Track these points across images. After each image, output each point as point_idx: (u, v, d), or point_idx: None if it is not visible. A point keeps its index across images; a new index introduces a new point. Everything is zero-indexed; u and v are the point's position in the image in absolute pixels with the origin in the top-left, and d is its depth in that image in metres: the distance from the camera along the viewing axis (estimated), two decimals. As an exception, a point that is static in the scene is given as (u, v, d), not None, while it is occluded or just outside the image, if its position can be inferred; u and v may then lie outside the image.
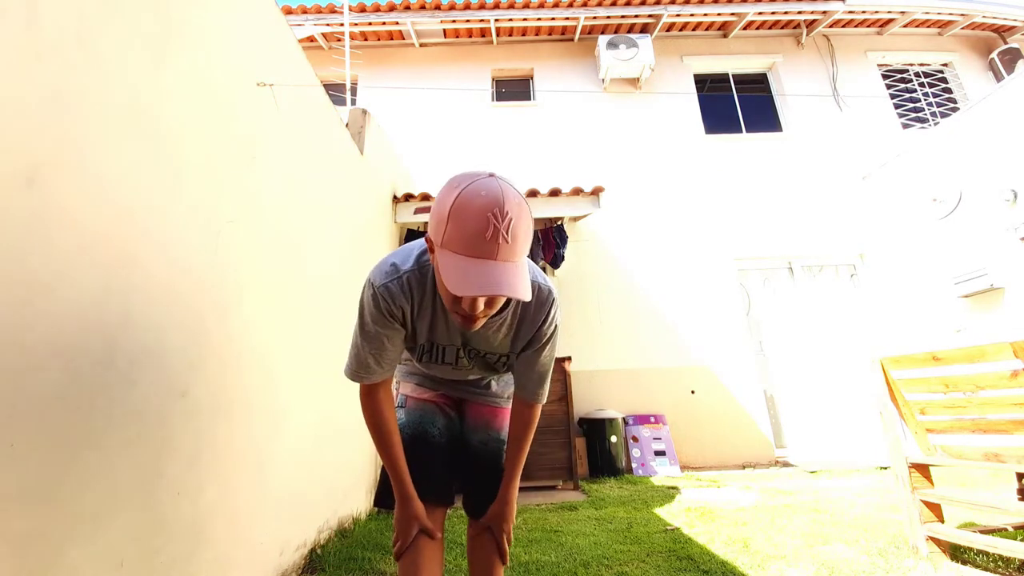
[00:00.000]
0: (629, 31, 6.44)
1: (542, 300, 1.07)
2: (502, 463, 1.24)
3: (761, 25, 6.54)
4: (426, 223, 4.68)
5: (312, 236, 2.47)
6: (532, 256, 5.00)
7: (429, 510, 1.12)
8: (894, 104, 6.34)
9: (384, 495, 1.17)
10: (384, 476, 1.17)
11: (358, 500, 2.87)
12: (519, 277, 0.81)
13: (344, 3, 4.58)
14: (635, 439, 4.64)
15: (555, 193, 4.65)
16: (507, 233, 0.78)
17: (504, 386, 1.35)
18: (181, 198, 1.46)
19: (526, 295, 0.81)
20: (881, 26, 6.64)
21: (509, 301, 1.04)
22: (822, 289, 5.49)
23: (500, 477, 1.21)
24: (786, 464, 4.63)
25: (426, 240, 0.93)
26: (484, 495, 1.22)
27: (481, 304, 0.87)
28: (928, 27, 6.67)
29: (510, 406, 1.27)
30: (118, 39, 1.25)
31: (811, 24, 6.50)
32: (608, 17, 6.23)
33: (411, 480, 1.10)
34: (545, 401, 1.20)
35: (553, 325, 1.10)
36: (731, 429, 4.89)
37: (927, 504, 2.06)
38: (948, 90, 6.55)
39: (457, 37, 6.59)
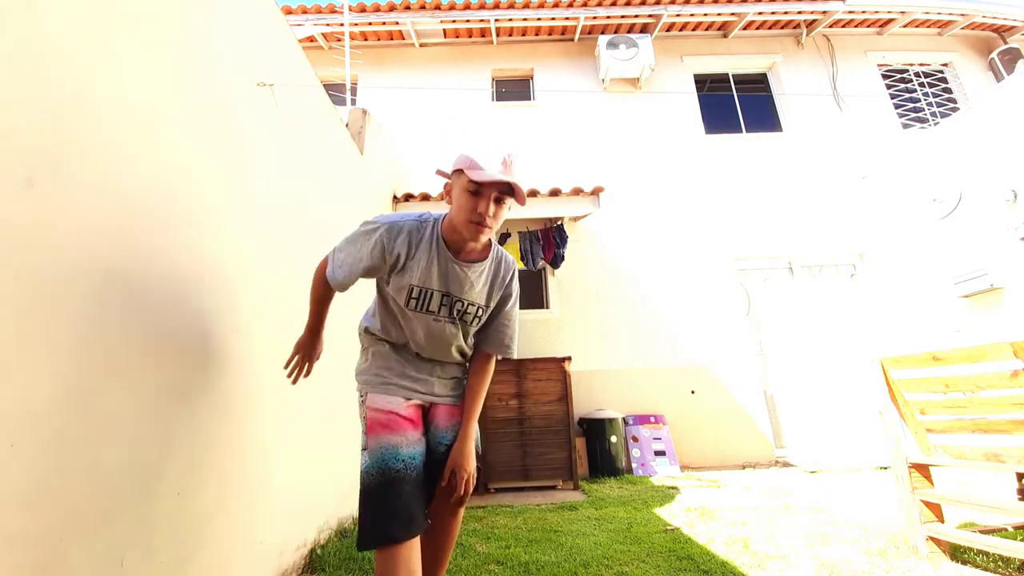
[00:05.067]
0: (629, 31, 6.44)
1: (508, 263, 1.39)
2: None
3: (761, 25, 6.54)
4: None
5: (312, 236, 2.47)
6: (532, 256, 5.00)
7: (407, 545, 1.16)
8: (894, 104, 6.34)
9: (366, 537, 1.18)
10: (363, 516, 1.22)
11: (358, 500, 2.87)
12: (521, 185, 1.16)
13: (344, 3, 4.58)
14: (635, 439, 4.64)
15: (555, 193, 4.65)
16: (511, 163, 1.16)
17: (454, 391, 1.45)
18: (181, 198, 1.46)
19: (523, 199, 1.17)
20: (881, 26, 6.64)
21: (491, 253, 1.33)
22: (822, 289, 5.49)
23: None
24: (786, 464, 4.63)
25: (445, 176, 1.26)
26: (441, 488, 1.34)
27: (493, 208, 1.17)
28: (928, 27, 6.67)
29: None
30: (118, 39, 1.25)
31: (811, 24, 6.50)
32: (608, 17, 6.23)
33: (382, 515, 1.17)
34: (513, 356, 1.44)
35: (516, 287, 1.40)
36: (731, 429, 4.90)
37: (927, 504, 2.06)
38: (948, 90, 6.55)
39: (457, 37, 6.59)
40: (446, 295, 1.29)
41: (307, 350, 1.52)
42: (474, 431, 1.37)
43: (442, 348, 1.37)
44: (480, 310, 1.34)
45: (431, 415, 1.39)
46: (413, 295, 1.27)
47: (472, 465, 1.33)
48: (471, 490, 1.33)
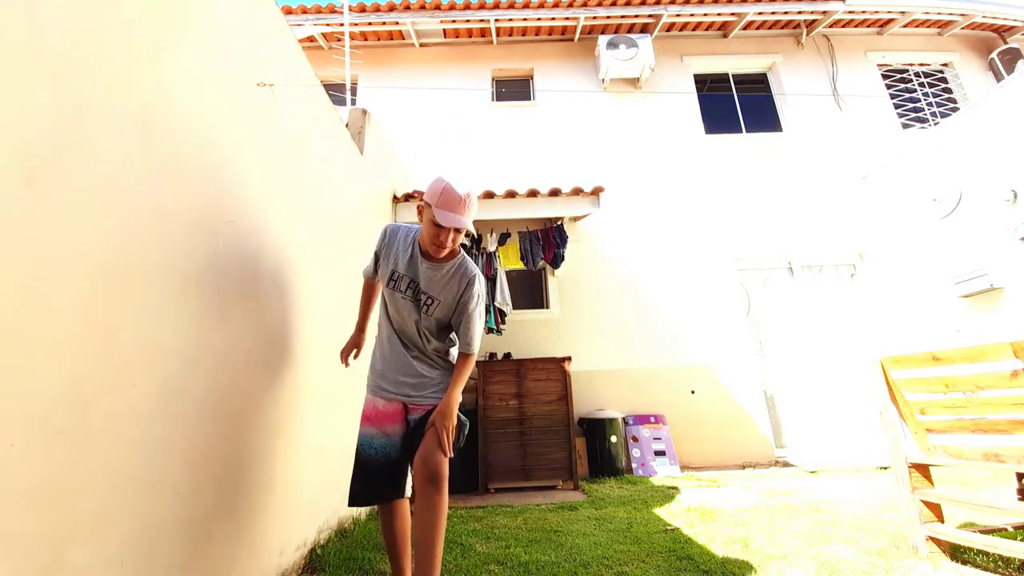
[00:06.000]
0: (629, 31, 6.44)
1: (466, 273, 1.74)
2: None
3: (761, 25, 6.54)
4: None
5: (312, 236, 2.47)
6: (532, 256, 5.01)
7: (380, 508, 1.74)
8: (894, 104, 6.34)
9: (355, 495, 1.69)
10: (353, 479, 1.69)
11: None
12: (467, 225, 1.59)
13: (344, 3, 4.57)
14: (635, 439, 4.64)
15: (555, 193, 4.65)
16: (468, 203, 1.59)
17: (431, 391, 1.76)
18: (181, 198, 1.46)
19: (471, 230, 1.62)
20: (881, 26, 6.64)
21: (454, 257, 1.73)
22: (822, 289, 5.49)
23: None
24: (786, 464, 4.63)
25: (420, 199, 1.62)
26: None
27: (451, 235, 1.60)
28: (928, 27, 6.67)
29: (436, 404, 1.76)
30: (118, 39, 1.25)
31: (811, 24, 6.50)
32: (608, 17, 6.23)
33: (355, 486, 1.69)
34: (475, 353, 1.77)
35: (475, 297, 1.74)
36: (731, 429, 4.90)
37: (927, 504, 2.06)
38: (948, 90, 6.55)
39: (457, 37, 6.59)
40: (412, 280, 1.73)
41: (353, 340, 2.04)
42: (455, 398, 1.70)
43: (409, 324, 1.75)
44: (434, 301, 1.72)
45: (411, 410, 1.74)
46: (393, 277, 1.75)
47: (451, 421, 1.65)
48: (449, 442, 1.64)
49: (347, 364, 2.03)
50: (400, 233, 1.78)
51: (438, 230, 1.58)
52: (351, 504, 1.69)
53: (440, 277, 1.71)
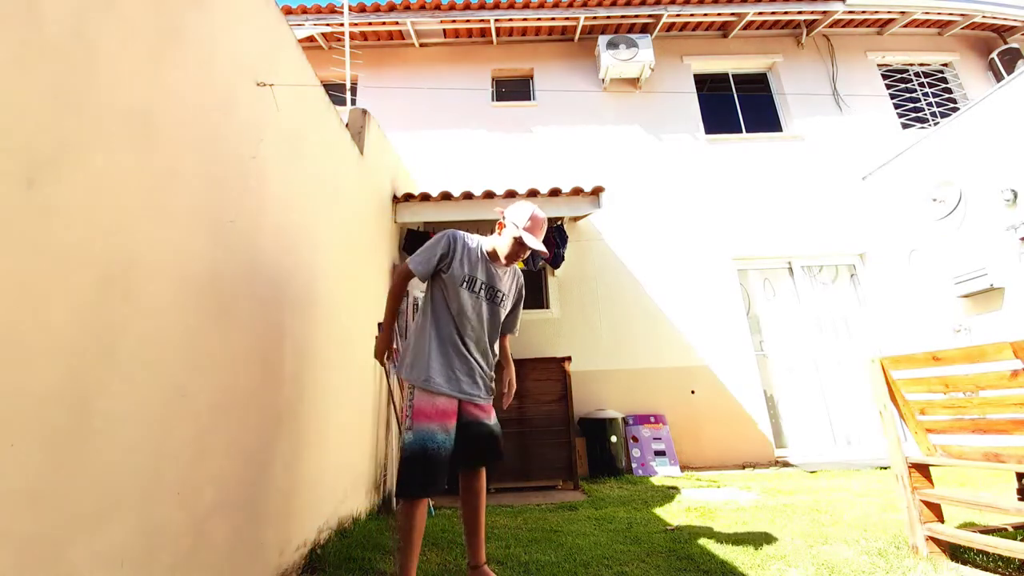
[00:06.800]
0: (629, 31, 6.44)
1: (518, 273, 2.11)
2: (496, 437, 1.95)
3: (761, 25, 6.54)
4: (425, 223, 4.73)
5: (312, 236, 2.47)
6: (532, 256, 5.00)
7: (420, 502, 1.79)
8: (894, 104, 6.34)
9: (405, 485, 1.74)
10: (402, 469, 1.75)
11: (358, 500, 2.87)
12: (541, 242, 1.87)
13: (344, 3, 4.57)
14: (635, 439, 4.64)
15: (555, 193, 4.65)
16: (542, 228, 1.91)
17: (488, 387, 1.96)
18: (181, 198, 1.46)
19: (544, 250, 1.90)
20: (881, 26, 6.64)
21: (510, 266, 2.03)
22: (822, 289, 5.49)
23: (495, 443, 1.93)
24: (786, 464, 4.63)
25: (504, 219, 1.94)
26: (479, 457, 1.90)
27: (528, 252, 1.89)
28: (928, 27, 6.67)
29: (491, 403, 1.97)
30: (118, 39, 1.25)
31: (811, 24, 6.50)
32: (608, 17, 6.23)
33: (416, 478, 1.73)
34: (516, 335, 2.25)
35: (523, 287, 2.13)
36: (731, 429, 4.89)
37: (927, 504, 2.06)
38: (948, 90, 6.55)
39: (457, 37, 6.59)
40: (486, 283, 1.95)
41: (389, 340, 2.06)
42: (511, 366, 2.17)
43: (480, 322, 1.92)
44: (505, 296, 2.00)
45: (465, 408, 1.88)
46: (469, 280, 1.91)
47: (513, 377, 2.12)
48: (512, 392, 2.10)
49: (384, 364, 2.22)
50: (464, 240, 1.96)
51: (520, 248, 1.88)
52: (410, 496, 1.74)
53: (505, 277, 2.02)
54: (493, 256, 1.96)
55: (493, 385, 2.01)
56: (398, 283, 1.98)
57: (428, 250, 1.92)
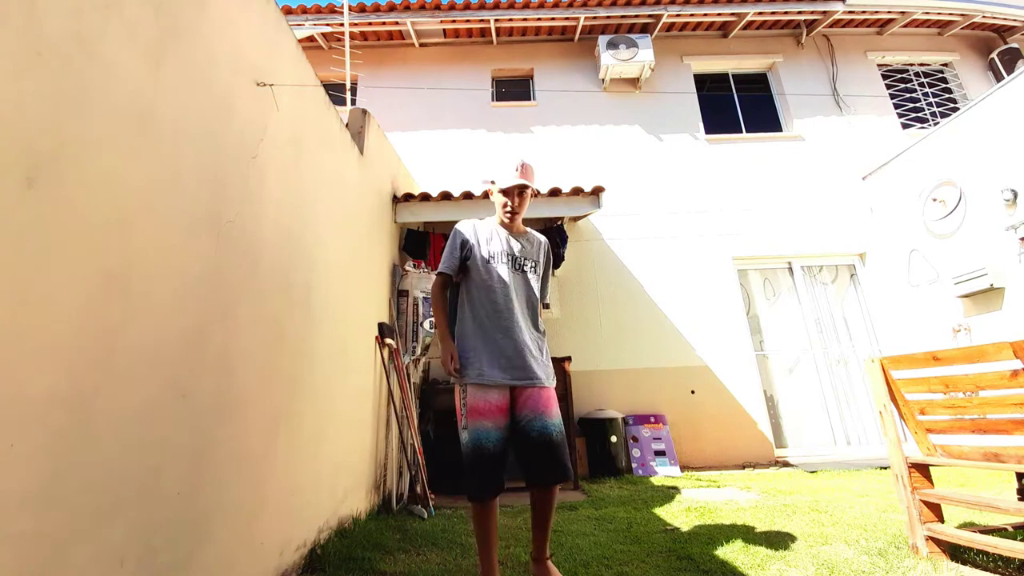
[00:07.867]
0: (629, 31, 6.44)
1: (540, 239, 2.14)
2: (558, 446, 1.77)
3: (761, 25, 6.54)
4: (425, 223, 4.73)
5: (312, 236, 2.47)
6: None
7: (489, 502, 1.74)
8: (894, 104, 6.34)
9: (472, 487, 1.72)
10: (465, 471, 1.74)
11: (358, 500, 2.87)
12: (531, 183, 1.99)
13: (344, 3, 4.57)
14: (635, 439, 4.64)
15: (555, 193, 4.65)
16: (521, 167, 1.97)
17: (544, 365, 1.89)
18: (181, 198, 1.46)
19: (534, 188, 2.01)
20: (881, 26, 6.64)
21: (527, 233, 2.12)
22: (822, 289, 5.49)
23: (558, 454, 1.75)
24: (786, 464, 4.63)
25: (491, 185, 2.04)
26: (546, 470, 1.75)
27: (516, 200, 1.98)
28: (928, 27, 6.67)
29: (553, 386, 1.90)
30: (118, 39, 1.25)
31: (811, 24, 6.50)
32: (608, 17, 6.23)
33: (475, 480, 1.71)
34: (547, 304, 2.26)
35: (550, 251, 2.15)
36: (731, 429, 4.89)
37: (927, 504, 2.06)
38: (948, 90, 6.55)
39: (457, 37, 6.59)
40: (508, 254, 1.98)
41: (452, 347, 1.94)
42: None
43: (515, 292, 1.91)
44: (535, 263, 2.04)
45: (520, 402, 1.81)
46: (491, 256, 1.95)
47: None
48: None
49: (454, 374, 1.88)
50: (472, 225, 2.03)
51: (505, 197, 1.94)
52: (475, 499, 1.73)
53: (528, 243, 2.06)
54: (505, 226, 2.02)
55: (550, 365, 1.93)
56: (437, 293, 1.98)
57: (448, 249, 1.97)
